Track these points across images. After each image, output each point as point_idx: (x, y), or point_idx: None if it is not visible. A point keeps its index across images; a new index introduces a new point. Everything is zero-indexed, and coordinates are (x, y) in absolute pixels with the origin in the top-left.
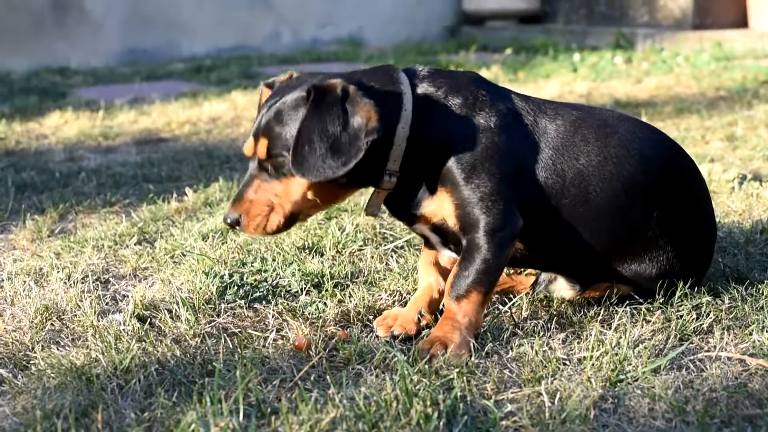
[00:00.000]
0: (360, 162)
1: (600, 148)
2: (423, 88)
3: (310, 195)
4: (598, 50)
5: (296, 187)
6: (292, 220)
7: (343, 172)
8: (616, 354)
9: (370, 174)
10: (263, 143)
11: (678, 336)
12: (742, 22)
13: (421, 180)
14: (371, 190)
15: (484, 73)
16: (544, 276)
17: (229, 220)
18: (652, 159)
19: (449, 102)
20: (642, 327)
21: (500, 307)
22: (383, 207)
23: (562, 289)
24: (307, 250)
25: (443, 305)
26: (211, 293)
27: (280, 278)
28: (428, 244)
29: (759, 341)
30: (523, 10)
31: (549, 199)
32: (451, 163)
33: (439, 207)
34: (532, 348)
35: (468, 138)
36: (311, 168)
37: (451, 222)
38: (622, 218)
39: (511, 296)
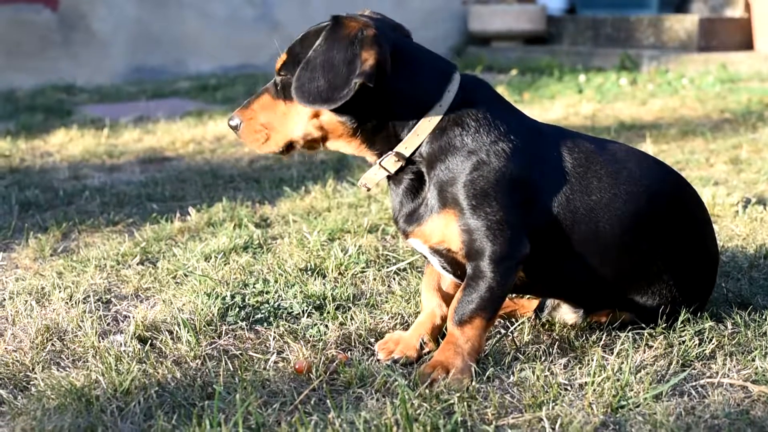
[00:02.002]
0: (358, 108)
1: (611, 185)
2: (466, 96)
3: (309, 126)
4: (603, 72)
5: (295, 113)
6: (289, 146)
7: (330, 106)
8: (618, 379)
9: (373, 132)
10: (282, 58)
11: (680, 362)
12: (747, 44)
13: (432, 185)
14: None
15: None
16: (548, 301)
17: (231, 123)
18: (659, 195)
19: (482, 118)
20: (644, 352)
21: (502, 331)
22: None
23: (565, 314)
24: (309, 272)
25: (445, 329)
26: (213, 314)
27: (281, 300)
28: (430, 265)
29: (762, 368)
30: (528, 31)
31: (558, 232)
32: (464, 183)
33: (444, 227)
34: (533, 373)
35: (484, 162)
36: (305, 93)
37: (455, 246)
38: (629, 252)
39: (514, 320)
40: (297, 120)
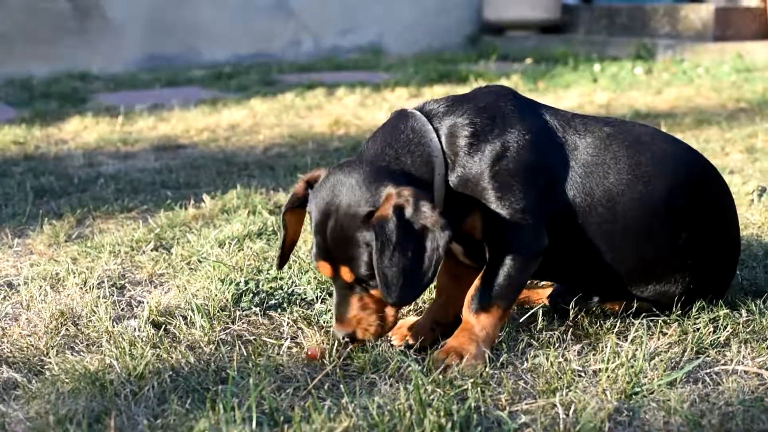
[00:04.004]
0: None
1: (631, 167)
2: (446, 127)
3: None
4: (618, 61)
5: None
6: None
7: (431, 283)
8: (632, 366)
9: None
10: (345, 270)
11: (694, 349)
12: (763, 33)
13: (459, 205)
14: None
15: (504, 83)
16: (563, 289)
17: (341, 336)
18: (684, 178)
19: (476, 128)
20: (658, 339)
21: (516, 317)
22: None
23: (581, 302)
24: None
25: (461, 316)
26: (227, 300)
27: (295, 286)
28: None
29: None
30: (543, 20)
31: (576, 216)
32: (485, 183)
33: (470, 223)
34: (547, 359)
35: (500, 158)
36: (403, 296)
37: (478, 236)
38: (650, 238)
39: (527, 307)
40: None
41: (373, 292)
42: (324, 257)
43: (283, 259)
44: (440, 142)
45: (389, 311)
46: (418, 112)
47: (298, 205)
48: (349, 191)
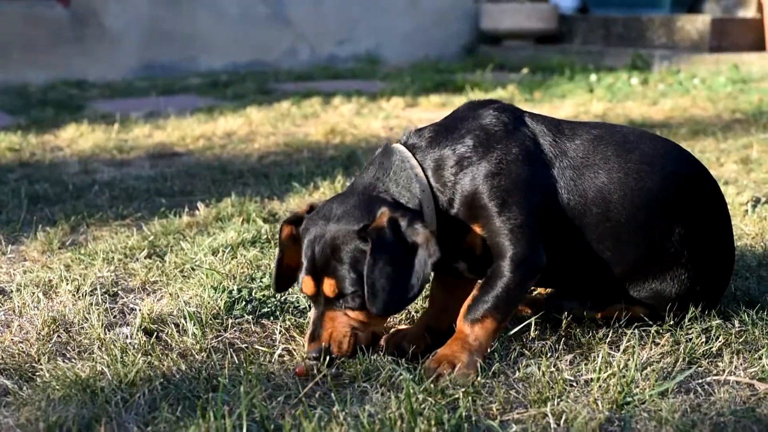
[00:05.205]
0: None
1: (620, 165)
2: (430, 161)
3: None
4: (614, 71)
5: (376, 318)
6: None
7: (417, 298)
8: (624, 376)
9: None
10: (329, 283)
11: (687, 359)
12: (759, 45)
13: (455, 229)
14: None
15: (500, 92)
16: (557, 293)
17: (314, 355)
18: (673, 174)
19: (461, 157)
20: (651, 349)
21: (508, 326)
22: None
23: (575, 308)
24: None
25: (454, 325)
26: (219, 308)
27: (288, 294)
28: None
29: None
30: (540, 30)
31: (572, 219)
32: (481, 203)
33: (469, 241)
34: (539, 369)
35: (490, 177)
36: (389, 307)
37: (478, 251)
38: (644, 234)
39: (520, 316)
40: (377, 321)
41: (349, 313)
42: (309, 272)
43: (278, 280)
44: (426, 176)
45: (363, 329)
46: (402, 147)
47: (294, 221)
48: (344, 212)
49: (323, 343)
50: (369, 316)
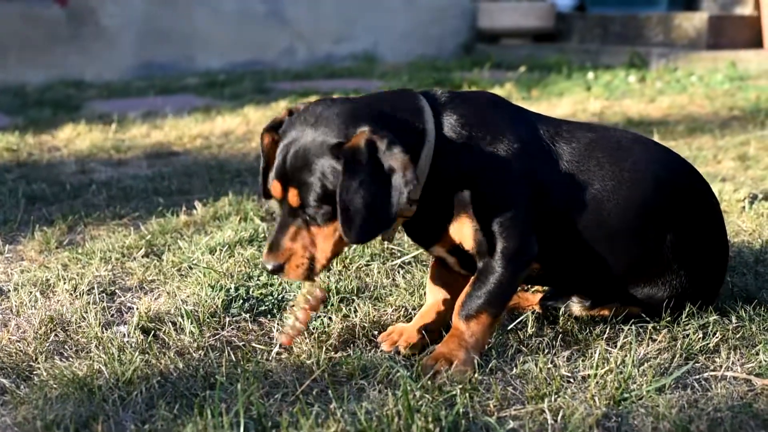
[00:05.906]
0: None
1: (614, 172)
2: (444, 117)
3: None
4: (612, 69)
5: (337, 240)
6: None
7: (390, 226)
8: (621, 372)
9: None
10: (293, 192)
11: (684, 355)
12: (757, 42)
13: (442, 206)
14: None
15: (498, 91)
16: (554, 292)
17: (270, 268)
18: (666, 181)
19: (471, 130)
20: (648, 345)
21: (505, 323)
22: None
23: (572, 305)
24: None
25: (450, 322)
26: (217, 306)
27: (285, 292)
28: (438, 261)
29: (765, 361)
30: (537, 28)
31: (564, 222)
32: (473, 189)
33: (458, 231)
34: (536, 365)
35: (489, 166)
36: (361, 233)
37: (468, 245)
38: (637, 240)
39: (517, 313)
40: (338, 245)
41: (313, 229)
42: (278, 176)
43: (266, 188)
44: (436, 127)
45: (321, 255)
46: (419, 93)
47: (275, 127)
48: (324, 121)
49: (281, 261)
50: (331, 236)
